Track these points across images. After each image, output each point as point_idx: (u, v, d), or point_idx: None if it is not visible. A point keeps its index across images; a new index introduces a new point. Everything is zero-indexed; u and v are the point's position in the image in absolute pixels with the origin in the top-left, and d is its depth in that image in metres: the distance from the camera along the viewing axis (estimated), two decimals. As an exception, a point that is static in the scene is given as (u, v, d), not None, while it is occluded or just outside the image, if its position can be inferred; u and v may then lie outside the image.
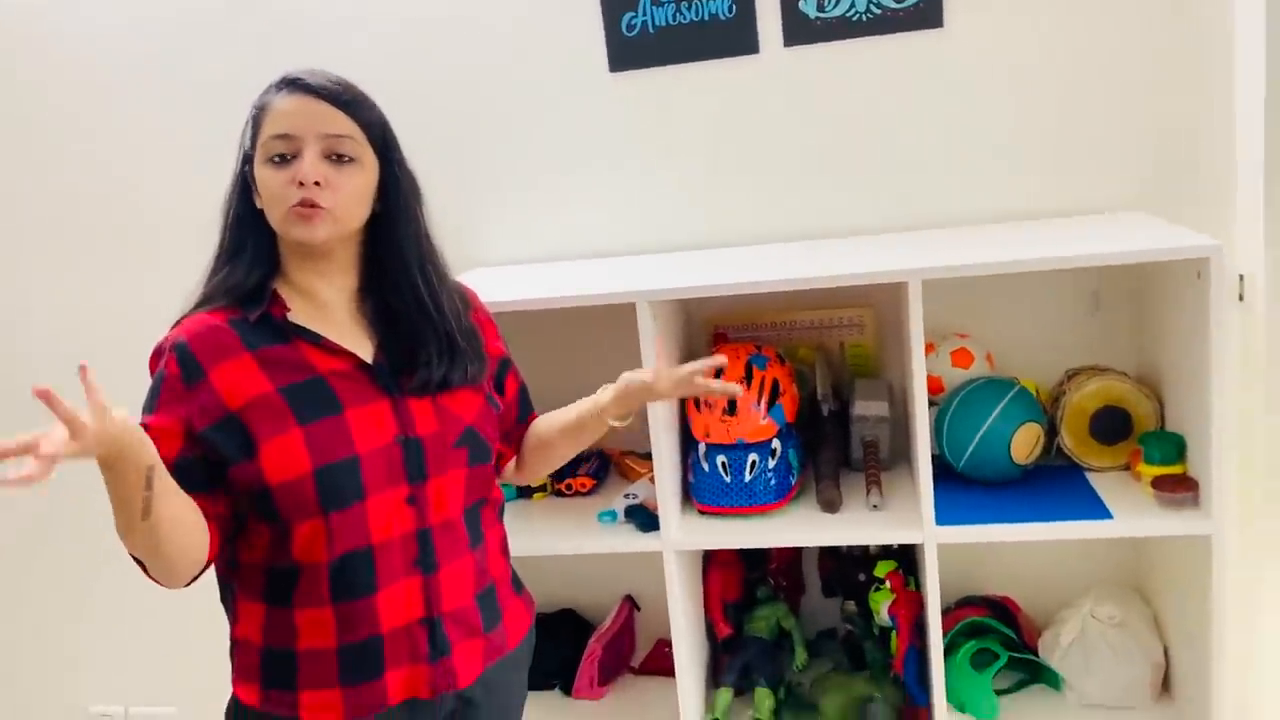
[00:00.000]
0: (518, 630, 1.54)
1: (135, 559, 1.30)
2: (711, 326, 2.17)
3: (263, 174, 1.36)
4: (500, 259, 2.28)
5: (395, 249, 1.44)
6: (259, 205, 1.38)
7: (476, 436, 1.46)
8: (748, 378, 1.92)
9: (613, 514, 1.97)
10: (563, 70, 2.17)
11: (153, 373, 1.36)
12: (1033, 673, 2.06)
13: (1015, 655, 2.03)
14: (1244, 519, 1.98)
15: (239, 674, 1.43)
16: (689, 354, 2.12)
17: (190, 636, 2.55)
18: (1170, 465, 1.78)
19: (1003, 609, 2.12)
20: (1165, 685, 1.98)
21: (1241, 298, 1.96)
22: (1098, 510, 1.77)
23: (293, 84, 1.37)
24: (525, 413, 1.66)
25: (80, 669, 2.67)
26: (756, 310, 2.14)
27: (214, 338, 1.35)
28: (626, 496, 2.00)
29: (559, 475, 2.12)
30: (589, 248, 2.24)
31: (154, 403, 1.33)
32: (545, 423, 1.64)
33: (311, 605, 1.36)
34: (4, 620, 2.69)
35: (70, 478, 2.45)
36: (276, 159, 1.35)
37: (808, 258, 1.92)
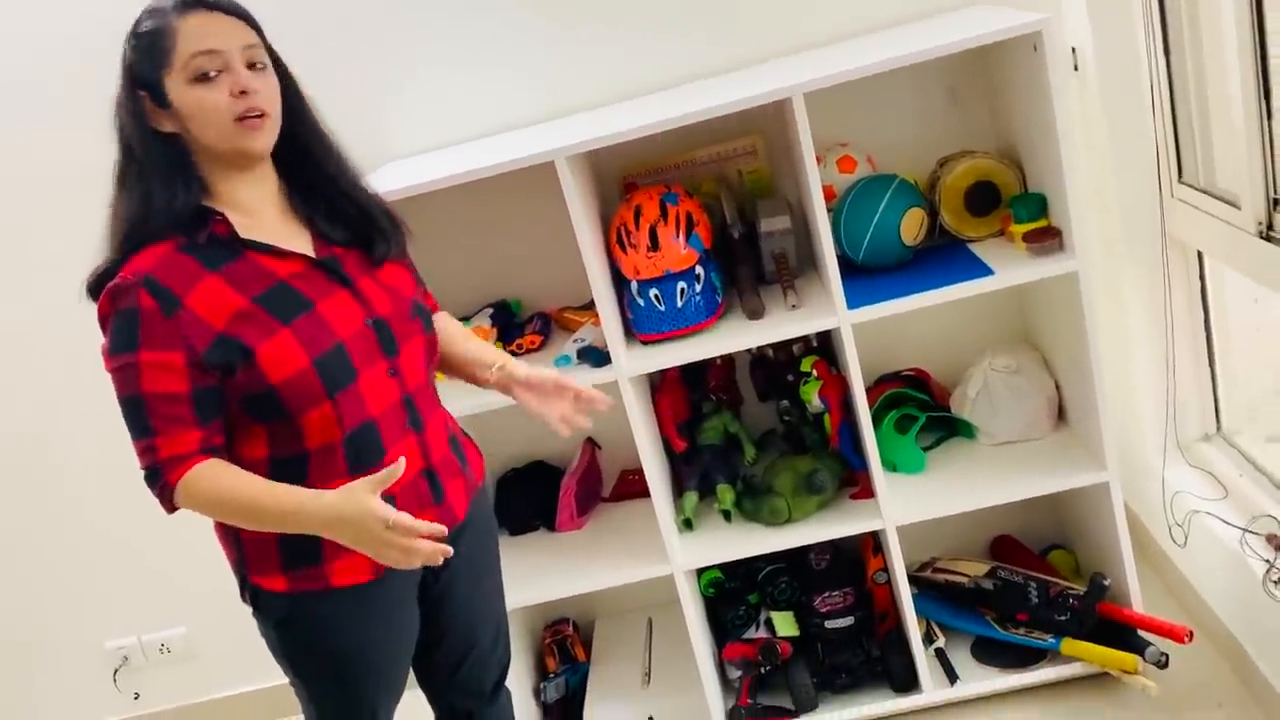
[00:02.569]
0: (478, 465, 1.76)
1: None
2: (621, 178, 2.36)
3: (191, 93, 1.40)
4: (408, 150, 2.40)
5: (302, 145, 1.53)
6: (168, 129, 1.43)
7: (421, 306, 1.62)
8: (664, 215, 2.12)
9: (567, 358, 2.18)
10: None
11: (110, 311, 1.40)
12: (949, 427, 2.36)
13: (932, 415, 2.32)
14: (1103, 258, 2.29)
15: (255, 565, 1.53)
16: (605, 205, 2.31)
17: (190, 554, 2.67)
18: (1036, 221, 2.05)
19: (916, 380, 2.41)
20: (1060, 415, 2.30)
21: (1076, 68, 2.22)
22: (982, 270, 2.04)
23: (195, 3, 1.41)
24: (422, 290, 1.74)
25: (89, 605, 2.79)
26: (659, 155, 2.33)
27: (177, 266, 1.41)
28: (575, 342, 2.21)
29: (508, 338, 2.32)
30: (490, 125, 2.37)
31: (135, 339, 1.39)
32: (448, 343, 1.74)
33: (329, 480, 1.46)
34: (16, 564, 2.78)
35: (67, 409, 2.57)
36: (202, 76, 1.39)
37: (694, 97, 2.10)
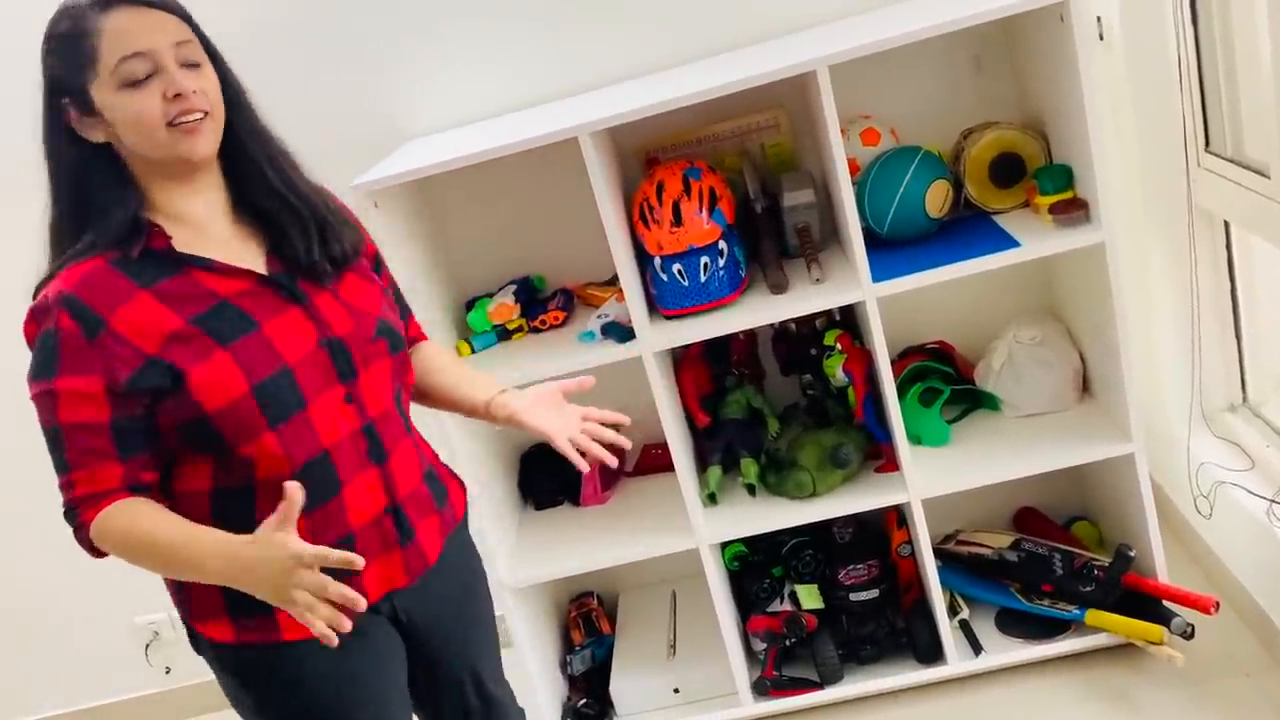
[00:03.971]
0: (459, 500, 1.61)
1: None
2: (643, 153, 2.35)
3: (120, 100, 1.28)
4: (430, 128, 2.40)
5: (241, 147, 1.41)
6: (98, 139, 1.31)
7: (388, 325, 1.46)
8: (686, 190, 2.12)
9: (591, 334, 2.18)
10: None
11: (35, 334, 1.29)
12: (973, 400, 2.36)
13: (956, 388, 2.32)
14: (1129, 230, 2.28)
15: (199, 613, 1.40)
16: (627, 181, 2.31)
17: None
18: (1062, 192, 2.04)
19: (940, 352, 2.41)
20: (1085, 386, 2.30)
21: (1101, 37, 2.20)
22: (1007, 242, 2.03)
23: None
24: (403, 316, 1.61)
25: (120, 581, 2.81)
26: (681, 130, 2.32)
27: (102, 283, 1.28)
28: (599, 317, 2.21)
29: (532, 314, 2.32)
30: (511, 102, 2.36)
31: (55, 365, 1.27)
32: (437, 374, 1.61)
33: None
34: (45, 535, 2.81)
35: None
36: (132, 83, 1.28)
37: (717, 71, 2.09)
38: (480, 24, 2.32)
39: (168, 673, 2.93)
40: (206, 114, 1.33)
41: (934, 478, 2.17)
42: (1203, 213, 2.12)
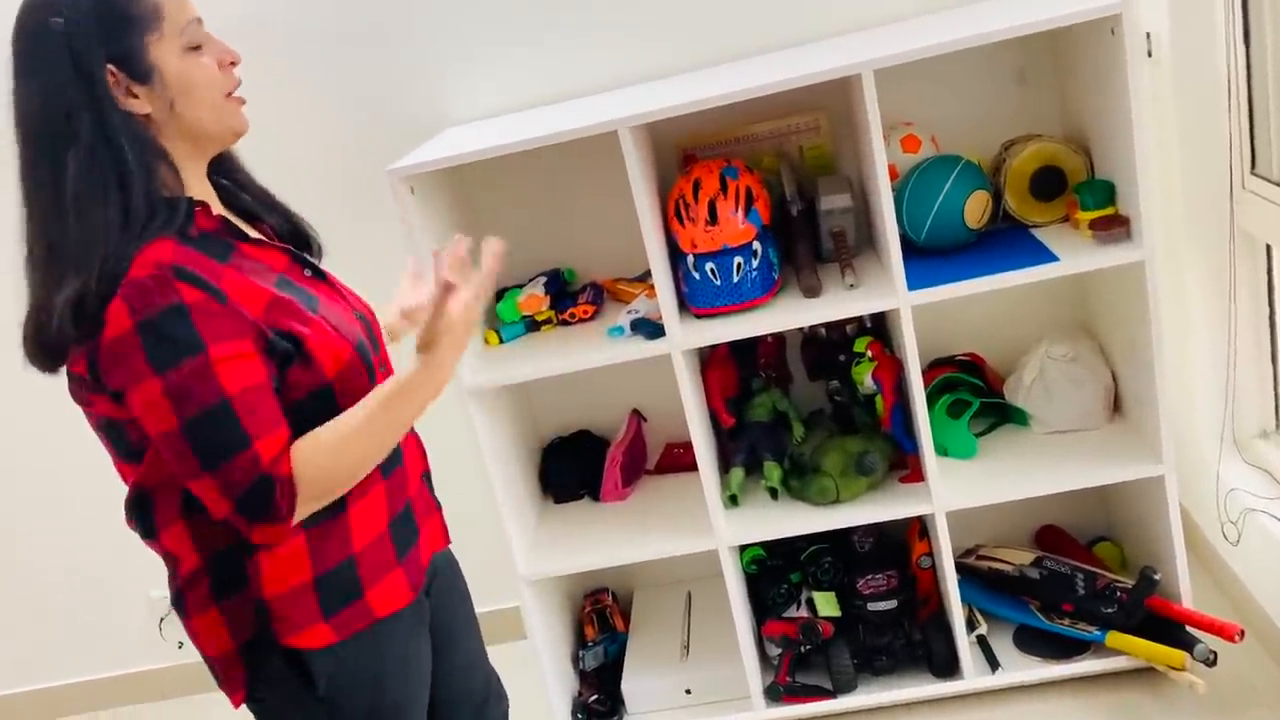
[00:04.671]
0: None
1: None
2: (681, 150, 2.34)
3: (187, 64, 1.23)
4: (467, 115, 2.40)
5: None
6: (141, 111, 1.22)
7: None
8: (723, 189, 2.11)
9: (620, 329, 2.17)
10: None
11: (147, 316, 1.14)
12: (1002, 414, 2.34)
13: (986, 401, 2.30)
14: (1168, 249, 2.25)
15: (288, 622, 1.28)
16: (662, 177, 2.30)
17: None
18: (1103, 209, 2.02)
19: (971, 365, 2.39)
20: (1116, 405, 2.27)
21: (1150, 54, 2.18)
22: (1046, 256, 2.01)
23: None
24: None
25: (134, 557, 2.83)
26: (720, 128, 2.31)
27: (191, 260, 1.20)
28: (629, 313, 2.20)
29: (561, 306, 2.32)
30: (549, 93, 2.36)
31: (197, 336, 1.15)
32: None
33: (363, 495, 1.33)
34: (64, 510, 2.83)
35: None
36: (195, 47, 1.24)
37: (760, 70, 2.08)
38: (527, 13, 2.31)
39: (180, 647, 2.93)
40: None
41: (959, 491, 2.15)
42: (1245, 235, 2.09)
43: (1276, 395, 2.21)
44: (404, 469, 1.43)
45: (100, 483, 2.77)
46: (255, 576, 1.27)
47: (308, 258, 1.40)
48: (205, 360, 1.15)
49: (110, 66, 1.20)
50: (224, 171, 1.39)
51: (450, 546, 1.60)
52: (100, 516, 2.81)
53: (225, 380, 1.16)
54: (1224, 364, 2.15)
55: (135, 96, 1.22)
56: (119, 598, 2.89)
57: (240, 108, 1.30)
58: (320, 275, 1.39)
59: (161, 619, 2.89)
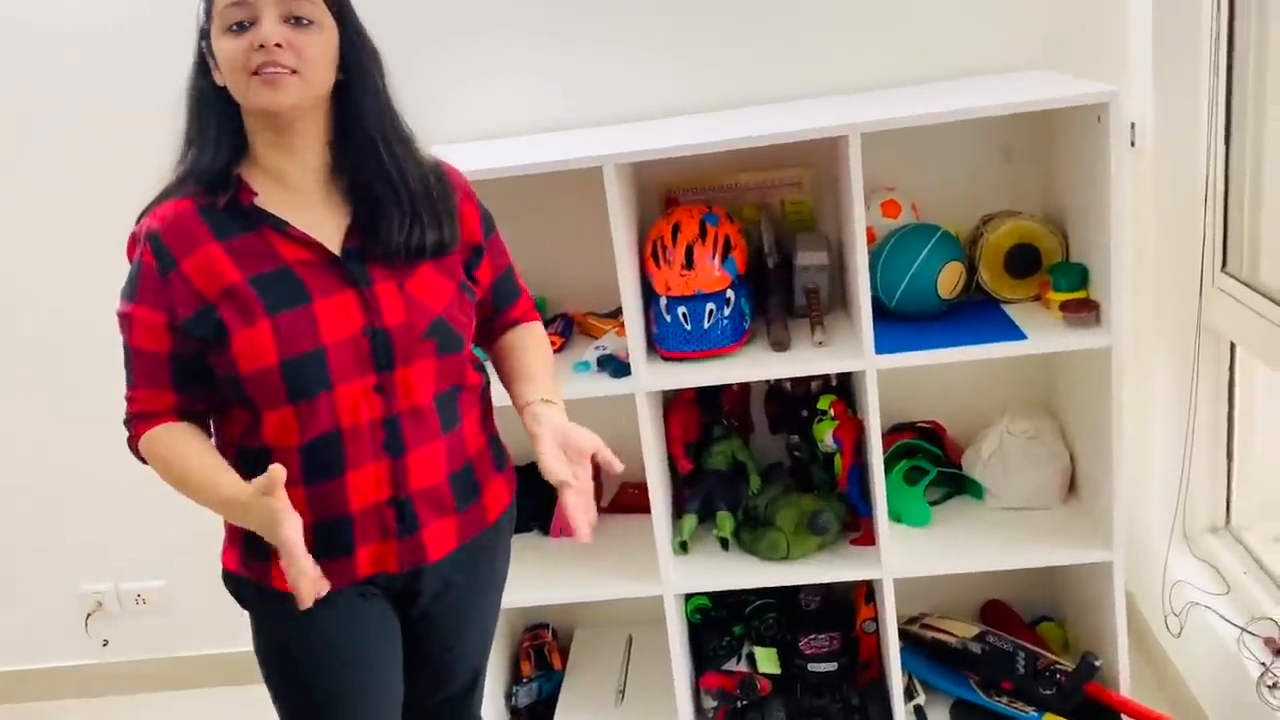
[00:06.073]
0: (497, 504, 1.60)
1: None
2: (663, 191, 2.34)
3: (221, 44, 1.34)
4: (449, 137, 2.38)
5: (358, 118, 1.42)
6: (220, 82, 1.37)
7: (446, 327, 1.45)
8: (702, 234, 2.11)
9: (586, 364, 2.16)
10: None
11: (130, 258, 1.41)
12: (958, 485, 2.34)
13: (943, 470, 2.30)
14: (1135, 337, 2.27)
15: (226, 540, 1.53)
16: (643, 217, 2.29)
17: (175, 511, 2.65)
18: (1075, 291, 2.03)
19: (931, 432, 2.39)
20: (1072, 486, 2.28)
21: (1133, 143, 2.21)
22: (1015, 333, 2.02)
23: None
24: (502, 303, 1.64)
25: (68, 548, 2.78)
26: (704, 174, 2.31)
27: (183, 227, 1.37)
28: (596, 349, 2.19)
29: (529, 335, 2.29)
30: (535, 123, 2.35)
31: (134, 290, 1.39)
32: (512, 355, 1.62)
33: (286, 484, 1.35)
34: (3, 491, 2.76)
35: (53, 355, 2.57)
36: (234, 27, 1.32)
37: (750, 122, 2.08)
38: (520, 41, 2.31)
39: (105, 645, 2.86)
40: (294, 72, 1.33)
41: (909, 558, 2.14)
42: (1211, 331, 2.11)
43: (1229, 491, 2.22)
44: (340, 485, 1.42)
45: (32, 472, 2.72)
46: None
47: (350, 261, 1.41)
48: (129, 312, 1.39)
49: (203, 42, 1.38)
50: (348, 150, 1.44)
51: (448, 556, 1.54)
52: (32, 505, 2.75)
53: (134, 334, 1.40)
54: (1180, 456, 2.16)
55: (218, 68, 1.37)
56: (50, 588, 2.82)
57: (267, 84, 1.33)
58: (357, 280, 1.40)
59: (89, 614, 2.82)
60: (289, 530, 1.26)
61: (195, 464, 1.39)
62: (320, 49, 1.37)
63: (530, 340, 1.65)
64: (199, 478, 1.38)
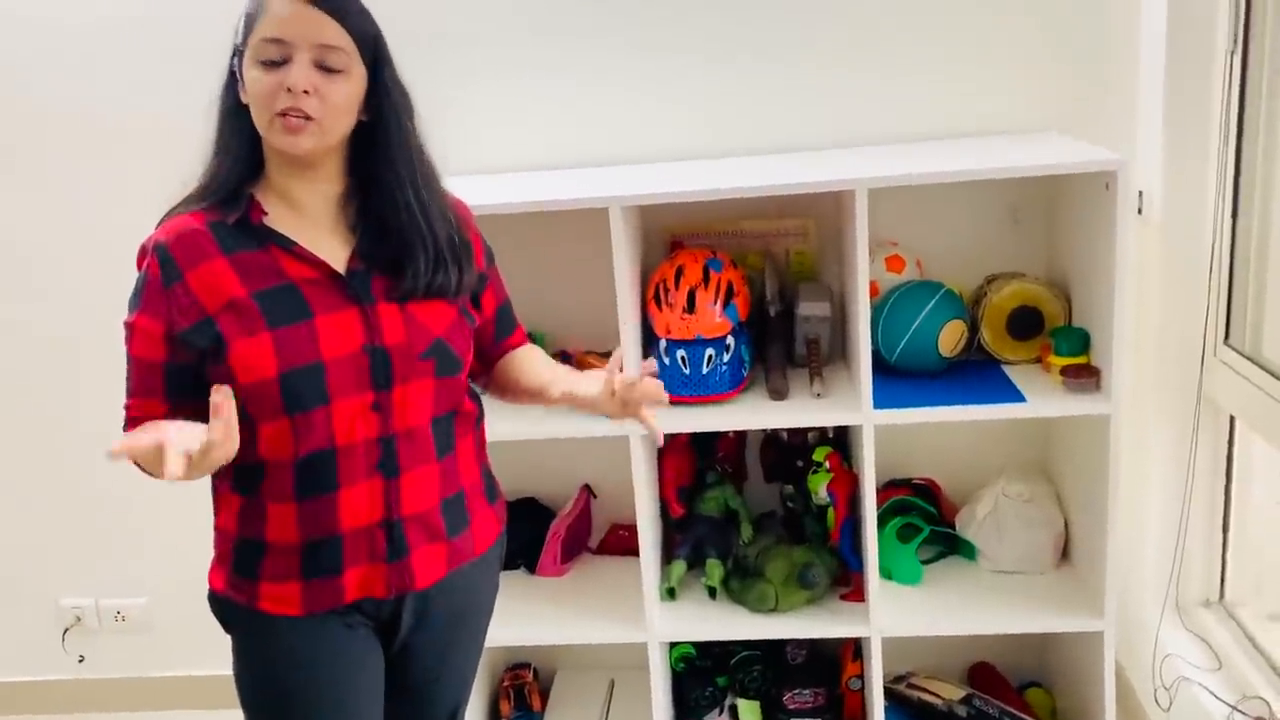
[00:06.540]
0: (486, 536, 1.59)
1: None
2: (668, 233, 2.34)
3: (251, 74, 1.37)
4: (455, 170, 2.38)
5: (385, 161, 1.45)
6: (245, 100, 1.40)
7: (446, 349, 1.47)
8: (705, 279, 2.10)
9: (582, 403, 2.14)
10: (530, -13, 2.28)
11: (139, 269, 1.43)
12: (951, 545, 2.32)
13: (936, 529, 2.28)
14: (1134, 405, 2.26)
15: (215, 560, 1.52)
16: (647, 258, 2.29)
17: (161, 528, 2.66)
18: (1076, 356, 2.03)
19: (926, 490, 2.37)
20: (1065, 552, 2.26)
21: (1140, 211, 2.21)
22: (1013, 395, 2.01)
23: None
24: (503, 333, 1.67)
25: (49, 561, 2.75)
26: (710, 219, 2.31)
27: (191, 240, 1.40)
28: (592, 388, 2.17)
29: (526, 371, 2.28)
30: (544, 158, 2.35)
31: (139, 300, 1.41)
32: (523, 367, 1.66)
33: (278, 500, 1.42)
34: None
35: (36, 371, 2.56)
36: (266, 62, 1.35)
37: (759, 170, 2.09)
38: (526, 77, 2.31)
39: (80, 661, 2.82)
40: (313, 120, 1.36)
41: (899, 617, 2.12)
42: (1210, 403, 2.10)
43: (1224, 566, 2.20)
44: (332, 503, 1.42)
45: (18, 482, 2.70)
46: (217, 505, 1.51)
47: (354, 280, 1.43)
48: (132, 321, 1.42)
49: (235, 60, 1.41)
50: (372, 188, 1.46)
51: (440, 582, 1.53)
52: (16, 516, 2.73)
53: (133, 342, 1.42)
54: (1176, 527, 2.14)
55: (243, 90, 1.40)
56: (29, 601, 2.78)
57: (289, 131, 1.36)
58: (360, 298, 1.42)
59: (67, 628, 2.79)
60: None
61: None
62: (345, 97, 1.39)
63: (535, 356, 1.70)
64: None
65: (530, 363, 1.67)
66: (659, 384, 1.48)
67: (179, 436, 1.21)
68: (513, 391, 1.67)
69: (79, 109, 2.44)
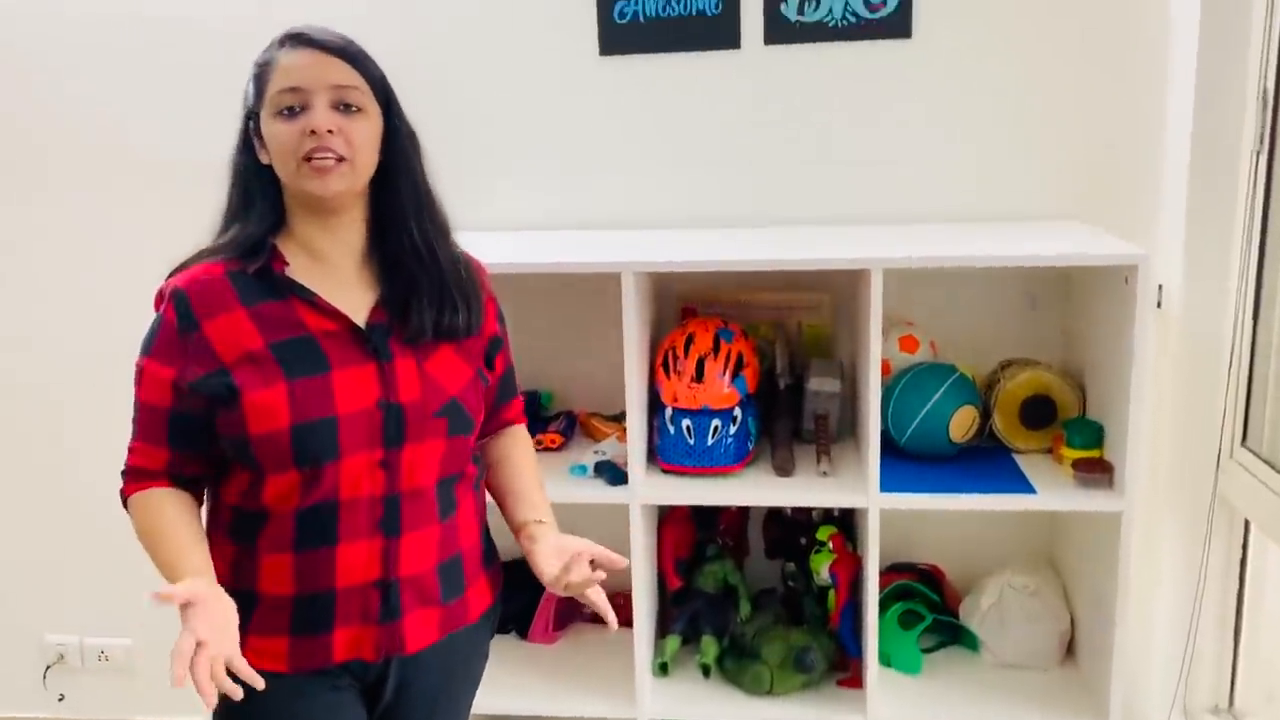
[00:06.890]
0: (481, 603, 1.57)
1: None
2: (680, 300, 2.32)
3: (272, 128, 1.38)
4: (470, 225, 2.37)
5: (393, 199, 1.46)
6: (264, 161, 1.41)
7: (459, 409, 1.47)
8: (715, 349, 2.08)
9: (584, 468, 2.11)
10: (556, 51, 2.29)
11: (156, 311, 1.43)
12: (953, 634, 2.26)
13: (939, 617, 2.23)
14: (1147, 503, 2.21)
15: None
16: (657, 324, 2.27)
17: (151, 569, 2.61)
18: (1089, 449, 1.99)
19: (930, 576, 2.32)
20: (1070, 649, 2.19)
21: (1159, 304, 2.18)
22: (1023, 486, 1.97)
23: (297, 38, 1.39)
24: (502, 398, 1.65)
25: (35, 598, 2.71)
26: (724, 288, 2.29)
27: (211, 290, 1.40)
28: (595, 453, 2.14)
29: (531, 430, 2.25)
30: (564, 220, 2.36)
31: (151, 344, 1.41)
32: (504, 466, 1.63)
33: (275, 550, 1.41)
34: None
35: (27, 407, 2.54)
36: (285, 112, 1.37)
37: (775, 243, 2.07)
38: (551, 139, 2.32)
39: (60, 700, 2.77)
40: (343, 159, 1.37)
41: (897, 707, 2.06)
42: (1225, 505, 2.05)
43: (1234, 673, 2.14)
44: (329, 557, 1.40)
45: (33, 505, 2.67)
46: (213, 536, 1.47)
47: (373, 334, 1.43)
48: (142, 365, 1.42)
49: (250, 121, 1.42)
50: (383, 227, 1.47)
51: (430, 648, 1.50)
52: (12, 541, 2.70)
53: (142, 386, 1.42)
54: (1185, 630, 2.08)
55: (264, 148, 1.41)
56: (13, 635, 2.75)
57: (318, 173, 1.37)
58: (378, 354, 1.42)
59: (49, 665, 2.74)
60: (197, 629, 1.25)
61: (170, 535, 1.39)
62: (367, 136, 1.40)
63: (519, 452, 1.66)
64: (168, 550, 1.38)
65: (513, 477, 1.63)
66: (617, 560, 1.45)
67: (215, 639, 1.26)
68: (488, 481, 1.63)
69: (80, 137, 2.45)
